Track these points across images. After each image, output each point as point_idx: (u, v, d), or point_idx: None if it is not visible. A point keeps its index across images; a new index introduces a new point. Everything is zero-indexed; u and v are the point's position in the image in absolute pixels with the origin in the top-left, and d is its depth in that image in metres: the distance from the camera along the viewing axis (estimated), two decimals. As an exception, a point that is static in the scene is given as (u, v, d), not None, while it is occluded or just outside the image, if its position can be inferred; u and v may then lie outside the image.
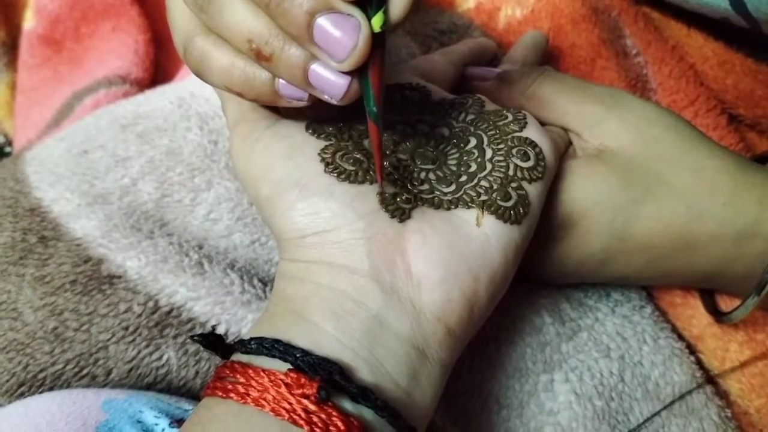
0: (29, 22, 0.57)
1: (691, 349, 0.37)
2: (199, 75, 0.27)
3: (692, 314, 0.38)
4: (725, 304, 0.37)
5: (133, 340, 0.34)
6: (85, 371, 0.33)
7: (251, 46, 0.25)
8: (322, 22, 0.23)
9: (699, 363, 0.37)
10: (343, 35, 0.23)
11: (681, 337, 0.37)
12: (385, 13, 0.23)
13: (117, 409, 0.31)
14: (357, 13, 0.23)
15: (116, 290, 0.34)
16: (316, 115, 0.30)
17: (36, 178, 0.38)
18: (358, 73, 0.24)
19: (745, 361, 0.36)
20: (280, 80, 0.26)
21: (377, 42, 0.24)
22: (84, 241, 0.36)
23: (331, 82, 0.25)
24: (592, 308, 0.37)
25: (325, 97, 0.25)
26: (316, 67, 0.24)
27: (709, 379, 0.36)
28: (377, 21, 0.23)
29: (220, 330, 0.34)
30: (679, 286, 0.38)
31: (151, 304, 0.34)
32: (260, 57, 0.25)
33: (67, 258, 0.35)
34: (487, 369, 0.35)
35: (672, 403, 0.35)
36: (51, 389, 0.33)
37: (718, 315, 0.36)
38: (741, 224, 0.32)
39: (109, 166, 0.38)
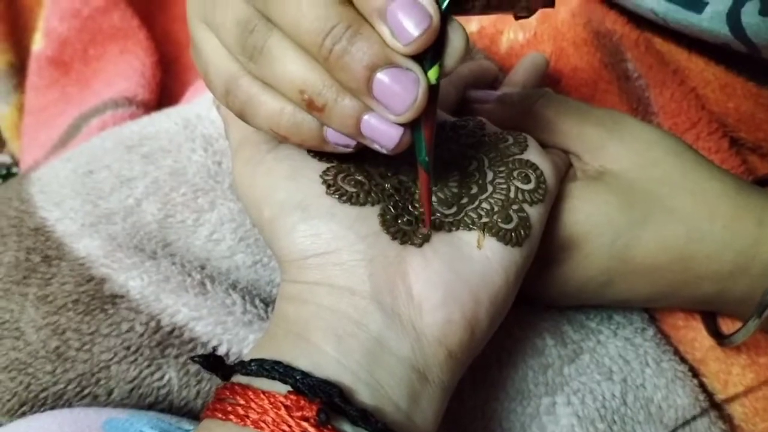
0: (38, 44, 0.58)
1: (694, 372, 0.37)
2: (243, 117, 0.27)
3: (695, 337, 0.38)
4: (727, 326, 0.37)
5: (135, 360, 0.34)
6: (86, 391, 0.33)
7: (303, 97, 0.25)
8: (382, 77, 0.23)
9: (702, 386, 0.36)
10: (403, 90, 0.24)
11: (683, 360, 0.37)
12: (440, 65, 0.24)
13: (118, 429, 0.31)
14: (416, 68, 0.24)
15: (118, 310, 0.34)
16: None
17: (41, 198, 0.39)
18: (411, 124, 0.25)
19: (750, 387, 0.36)
20: (329, 128, 0.26)
21: (432, 95, 0.24)
22: (87, 260, 0.36)
23: (385, 133, 0.25)
24: (594, 330, 0.37)
25: (376, 146, 0.26)
26: (369, 119, 0.25)
27: (714, 404, 0.36)
28: (433, 74, 0.24)
29: (222, 350, 0.34)
30: (681, 309, 0.38)
31: (153, 323, 0.34)
32: (312, 107, 0.25)
33: (70, 277, 0.35)
34: (489, 391, 0.34)
35: (676, 429, 0.34)
36: (52, 409, 0.33)
37: (720, 337, 0.36)
38: (741, 247, 0.32)
39: (114, 187, 0.39)
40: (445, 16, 0.24)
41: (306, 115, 0.26)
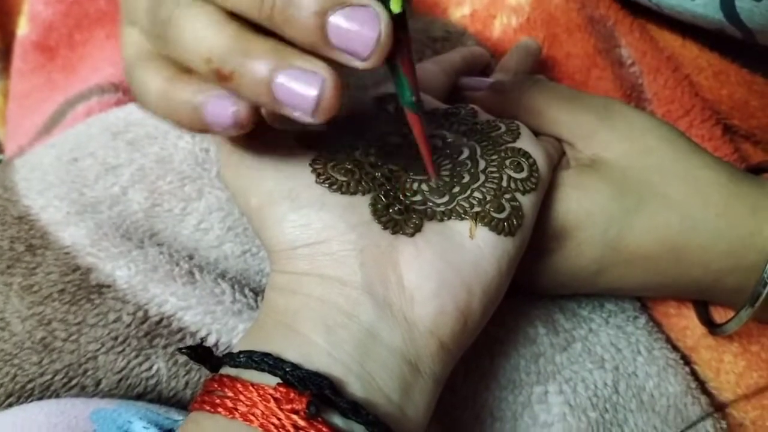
0: (23, 28, 0.57)
1: (686, 360, 0.37)
2: (142, 106, 0.25)
3: (686, 325, 0.38)
4: (719, 315, 0.37)
5: (123, 350, 0.33)
6: (74, 382, 0.33)
7: (210, 66, 0.22)
8: (336, 20, 0.21)
9: (694, 374, 0.36)
10: (362, 28, 0.21)
11: (675, 348, 0.37)
12: None
13: (105, 420, 0.30)
14: (371, 1, 0.21)
15: (105, 300, 0.34)
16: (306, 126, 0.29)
17: (25, 186, 0.38)
18: (387, 66, 0.22)
19: (758, 389, 0.36)
20: (206, 105, 0.23)
21: (399, 26, 0.22)
22: (73, 249, 0.35)
23: (300, 95, 0.22)
24: (586, 319, 0.37)
25: (296, 115, 0.23)
26: (280, 79, 0.22)
27: (719, 407, 0.36)
28: (395, 3, 0.21)
29: (211, 340, 0.34)
30: (673, 297, 0.38)
31: (140, 313, 0.34)
32: (221, 77, 0.22)
33: (56, 267, 0.35)
34: (481, 381, 0.34)
35: (686, 429, 0.34)
36: (40, 400, 0.33)
37: (712, 326, 0.36)
38: (734, 235, 0.32)
39: (99, 174, 0.38)
40: None
41: (184, 95, 0.23)
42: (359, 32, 0.21)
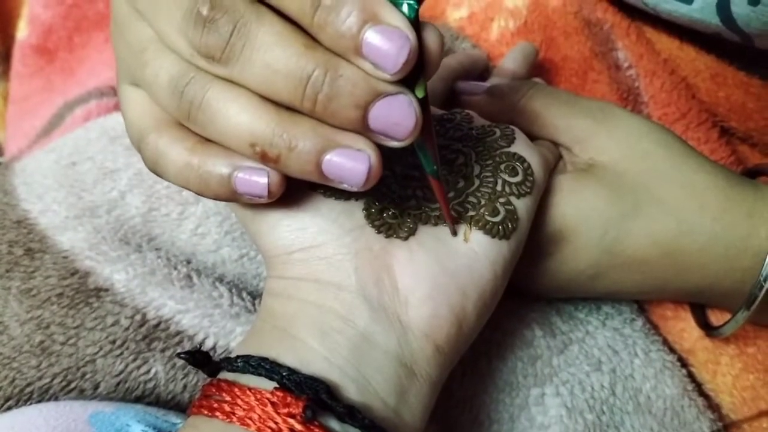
0: (22, 31, 0.57)
1: (683, 363, 0.37)
2: (156, 173, 0.25)
3: (683, 327, 0.38)
4: (716, 317, 0.37)
5: (121, 354, 0.33)
6: (72, 385, 0.33)
7: (255, 150, 0.23)
8: (377, 111, 0.22)
9: (690, 376, 0.37)
10: (401, 116, 0.22)
11: (672, 351, 0.37)
12: (424, 77, 0.23)
13: (104, 423, 0.30)
14: (405, 90, 0.23)
15: (103, 303, 0.34)
16: None
17: (24, 190, 0.38)
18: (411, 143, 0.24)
19: (760, 411, 0.36)
20: (237, 177, 0.24)
21: (424, 108, 0.23)
22: (71, 253, 0.35)
23: (352, 170, 0.23)
24: (583, 321, 0.37)
25: (344, 186, 0.24)
26: (331, 158, 0.23)
27: (702, 394, 0.36)
28: (420, 89, 0.23)
29: (209, 343, 0.34)
30: (670, 300, 0.38)
31: (138, 317, 0.34)
32: (266, 159, 0.23)
33: (54, 271, 0.35)
34: (478, 383, 0.34)
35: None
36: (38, 403, 0.33)
37: (709, 329, 0.36)
38: (730, 239, 0.32)
39: (98, 179, 0.38)
40: (417, 24, 0.22)
41: (212, 168, 0.24)
42: (399, 120, 0.22)
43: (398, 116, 0.22)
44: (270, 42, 0.22)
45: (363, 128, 0.23)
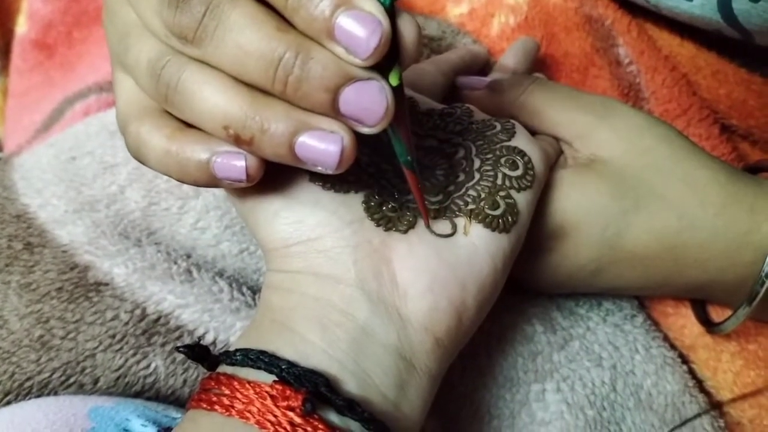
0: (22, 27, 0.57)
1: (683, 359, 0.37)
2: (139, 161, 0.25)
3: (684, 324, 0.38)
4: (717, 314, 0.37)
5: (121, 348, 0.33)
6: (72, 380, 0.33)
7: (228, 132, 0.23)
8: (347, 95, 0.22)
9: (691, 372, 0.36)
10: (372, 102, 0.22)
11: (673, 347, 0.37)
12: (399, 65, 0.23)
13: (104, 417, 0.30)
14: (377, 76, 0.23)
15: (103, 298, 0.34)
16: None
17: (23, 185, 0.38)
18: (384, 130, 0.24)
19: (755, 389, 0.36)
20: (215, 162, 0.24)
21: (398, 96, 0.23)
22: (71, 247, 0.35)
23: (324, 152, 0.23)
24: (584, 317, 0.37)
25: (319, 169, 0.24)
26: (304, 140, 0.23)
27: (716, 405, 0.36)
28: (394, 77, 0.23)
29: (209, 338, 0.34)
30: (671, 296, 0.38)
31: (138, 311, 0.34)
32: (240, 141, 0.23)
33: (54, 265, 0.35)
34: (478, 378, 0.34)
35: (681, 425, 0.34)
36: (38, 397, 0.33)
37: (710, 325, 0.36)
38: (732, 234, 0.32)
39: (97, 173, 0.38)
40: (392, 12, 0.22)
41: (191, 154, 0.24)
42: (369, 105, 0.22)
43: (368, 101, 0.22)
44: (242, 23, 0.22)
45: (333, 112, 0.23)
